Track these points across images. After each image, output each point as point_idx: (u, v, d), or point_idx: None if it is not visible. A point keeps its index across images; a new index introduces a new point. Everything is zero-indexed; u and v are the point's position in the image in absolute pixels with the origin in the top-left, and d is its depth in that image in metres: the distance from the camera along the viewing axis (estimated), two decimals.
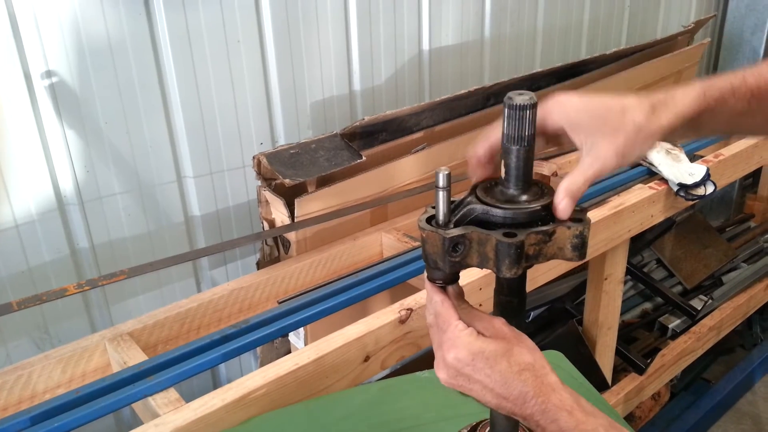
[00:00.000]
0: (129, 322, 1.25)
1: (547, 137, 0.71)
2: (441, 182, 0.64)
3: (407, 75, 1.95)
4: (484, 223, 0.65)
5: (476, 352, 0.63)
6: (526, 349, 0.65)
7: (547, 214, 0.66)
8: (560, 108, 0.69)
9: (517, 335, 0.66)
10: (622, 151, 0.66)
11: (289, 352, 1.56)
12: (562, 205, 0.65)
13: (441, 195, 0.65)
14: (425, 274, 0.71)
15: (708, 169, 1.68)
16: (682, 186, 1.64)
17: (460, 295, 0.71)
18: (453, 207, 0.67)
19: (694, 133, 0.73)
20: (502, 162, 0.67)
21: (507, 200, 0.66)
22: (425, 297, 0.73)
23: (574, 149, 0.71)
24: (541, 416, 0.62)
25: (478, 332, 0.65)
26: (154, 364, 1.08)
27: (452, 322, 0.65)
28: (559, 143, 0.72)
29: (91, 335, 1.22)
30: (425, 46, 1.96)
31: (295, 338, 1.51)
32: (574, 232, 0.64)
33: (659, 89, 0.71)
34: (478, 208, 0.65)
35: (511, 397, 0.63)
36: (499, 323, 0.67)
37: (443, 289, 0.70)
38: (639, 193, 1.62)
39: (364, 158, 1.49)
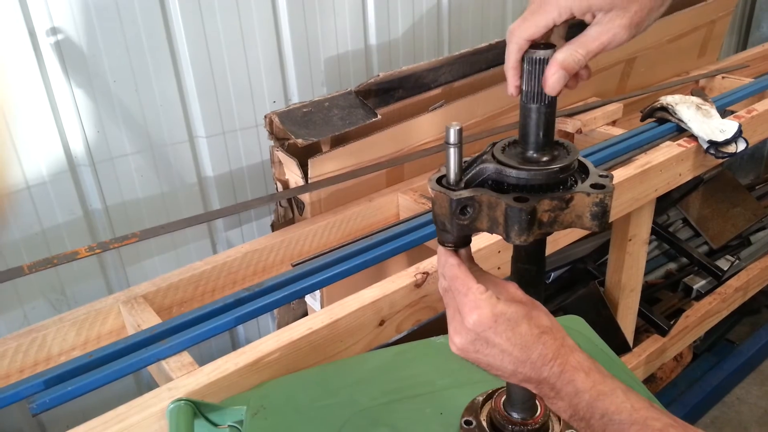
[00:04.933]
0: (143, 284, 1.25)
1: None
2: (452, 138, 0.59)
3: (425, 28, 1.87)
4: (498, 183, 0.61)
5: (498, 314, 0.61)
6: (543, 313, 0.64)
7: (568, 177, 0.61)
8: None
9: (531, 300, 0.65)
10: (636, 23, 0.58)
11: (306, 313, 1.55)
12: (553, 79, 0.58)
13: (452, 152, 0.60)
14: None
15: (740, 126, 1.61)
16: (713, 143, 1.57)
17: (470, 258, 0.68)
18: (466, 165, 0.62)
19: None
20: (520, 122, 0.62)
21: (524, 161, 0.62)
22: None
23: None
24: (557, 378, 0.61)
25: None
26: (167, 328, 1.08)
27: (472, 285, 0.63)
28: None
29: (105, 298, 1.22)
30: None
31: (312, 300, 1.50)
32: (593, 199, 0.59)
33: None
34: (491, 167, 0.61)
35: (530, 360, 0.61)
36: (513, 288, 0.65)
37: (455, 252, 0.66)
38: (667, 150, 1.55)
39: (379, 116, 1.45)
